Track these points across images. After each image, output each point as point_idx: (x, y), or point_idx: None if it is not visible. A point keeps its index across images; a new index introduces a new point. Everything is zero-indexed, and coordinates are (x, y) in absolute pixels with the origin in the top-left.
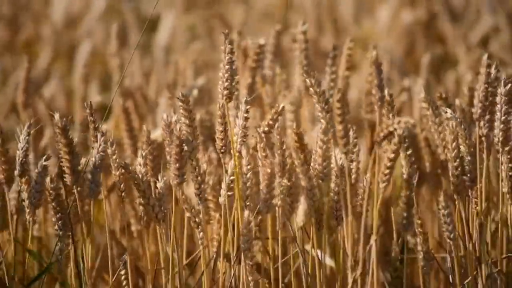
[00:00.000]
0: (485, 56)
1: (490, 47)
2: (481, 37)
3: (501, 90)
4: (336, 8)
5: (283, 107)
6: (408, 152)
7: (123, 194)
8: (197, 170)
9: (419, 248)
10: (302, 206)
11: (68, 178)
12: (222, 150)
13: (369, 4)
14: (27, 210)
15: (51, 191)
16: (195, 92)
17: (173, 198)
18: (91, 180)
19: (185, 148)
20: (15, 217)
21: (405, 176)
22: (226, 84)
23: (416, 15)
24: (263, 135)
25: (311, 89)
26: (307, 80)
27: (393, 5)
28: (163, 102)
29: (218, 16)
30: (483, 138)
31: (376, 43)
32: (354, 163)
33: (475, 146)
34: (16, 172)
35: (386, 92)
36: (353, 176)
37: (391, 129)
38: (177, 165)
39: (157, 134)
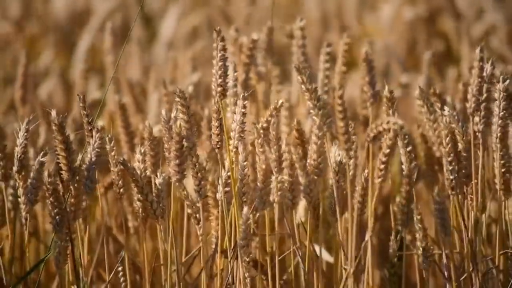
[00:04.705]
0: (477, 50)
1: (491, 44)
2: (482, 34)
3: (500, 86)
4: (341, 5)
5: (282, 103)
6: (408, 149)
7: (121, 190)
8: (197, 166)
9: (418, 244)
10: (302, 203)
11: (64, 175)
12: (218, 146)
13: (372, 1)
14: (23, 207)
15: (48, 186)
16: (190, 88)
17: (171, 194)
18: (86, 177)
19: (185, 144)
20: (12, 213)
21: (405, 172)
22: (219, 80)
23: (418, 12)
24: (261, 131)
25: (302, 86)
26: (299, 77)
27: (396, 2)
28: (155, 98)
29: (221, 13)
30: (478, 134)
31: (372, 40)
32: (352, 160)
33: (469, 142)
34: (15, 168)
35: (386, 88)
36: (351, 173)
37: (380, 129)
38: (177, 161)
39: (155, 130)
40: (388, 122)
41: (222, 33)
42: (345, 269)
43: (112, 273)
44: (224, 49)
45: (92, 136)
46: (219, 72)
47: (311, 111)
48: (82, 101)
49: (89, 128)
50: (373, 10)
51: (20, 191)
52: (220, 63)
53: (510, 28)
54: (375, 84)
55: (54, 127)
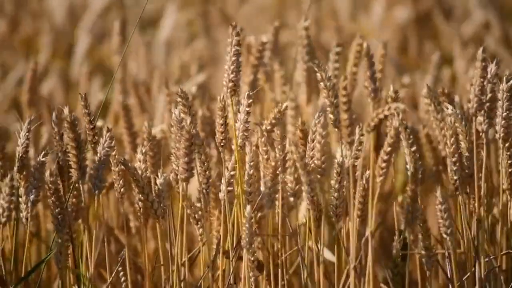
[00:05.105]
0: (480, 50)
1: (483, 42)
2: (473, 33)
3: (503, 86)
4: (333, 4)
5: (286, 106)
6: (413, 149)
7: (121, 190)
8: (205, 165)
9: (421, 244)
10: (304, 203)
11: (74, 173)
12: (221, 144)
13: (364, 1)
14: (24, 206)
15: (50, 185)
16: (193, 88)
17: (174, 194)
18: (95, 176)
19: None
20: (13, 213)
21: (410, 171)
22: (231, 76)
23: (409, 12)
24: (265, 133)
25: (321, 83)
26: (318, 74)
27: (387, 2)
28: (160, 98)
29: (216, 12)
30: (481, 134)
31: (368, 39)
32: (358, 160)
33: (472, 141)
34: (15, 168)
35: (391, 88)
36: (357, 173)
37: (381, 116)
38: (186, 159)
39: (157, 130)
40: (389, 108)
41: (238, 28)
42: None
43: (113, 273)
44: (238, 44)
45: (93, 136)
46: (232, 67)
47: (328, 108)
48: (84, 100)
49: (91, 127)
50: (366, 10)
51: (21, 191)
52: (233, 58)
53: (503, 27)
54: (376, 79)
55: (66, 125)
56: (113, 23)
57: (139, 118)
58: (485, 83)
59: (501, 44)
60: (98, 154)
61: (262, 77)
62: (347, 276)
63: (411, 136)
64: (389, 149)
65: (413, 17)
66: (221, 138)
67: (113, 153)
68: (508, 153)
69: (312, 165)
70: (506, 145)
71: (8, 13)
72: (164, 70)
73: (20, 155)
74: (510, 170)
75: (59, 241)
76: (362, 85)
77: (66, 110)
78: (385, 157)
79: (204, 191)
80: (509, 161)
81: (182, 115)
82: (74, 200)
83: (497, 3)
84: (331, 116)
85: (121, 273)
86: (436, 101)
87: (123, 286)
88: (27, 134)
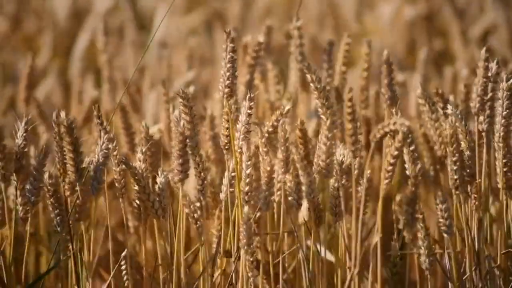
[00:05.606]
0: (483, 50)
1: (490, 43)
2: (482, 33)
3: (503, 85)
4: (339, 4)
5: (289, 109)
6: (411, 148)
7: (122, 190)
8: (200, 166)
9: (421, 243)
10: (305, 202)
11: (71, 176)
12: (227, 147)
13: (371, 0)
14: (20, 208)
15: (49, 187)
16: (191, 88)
17: (172, 194)
18: (93, 177)
19: (188, 143)
20: (13, 213)
21: (408, 172)
22: (227, 82)
23: (418, 11)
24: (266, 134)
25: (312, 85)
26: (308, 76)
27: (396, 1)
28: (151, 98)
29: (218, 13)
30: (483, 134)
31: (371, 39)
32: (356, 159)
33: (474, 141)
34: (13, 169)
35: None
36: (355, 172)
37: (387, 130)
38: (180, 160)
39: (154, 130)
40: (395, 123)
41: (232, 35)
42: (349, 269)
43: (114, 269)
44: (233, 50)
45: (100, 138)
46: (228, 73)
47: (319, 109)
48: (97, 110)
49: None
50: (372, 9)
51: (18, 192)
52: (228, 65)
53: (510, 27)
54: (393, 86)
55: (62, 129)
56: (117, 24)
57: (132, 118)
58: (487, 83)
59: (508, 45)
60: (96, 156)
61: (257, 76)
62: (351, 278)
63: (409, 136)
64: (396, 153)
65: (423, 15)
66: (226, 141)
67: (114, 152)
68: (503, 152)
69: (317, 166)
70: (502, 144)
71: (10, 12)
72: (155, 69)
73: (18, 156)
74: (505, 169)
75: (59, 243)
76: (351, 85)
77: (62, 114)
78: (392, 161)
79: (200, 192)
80: (505, 160)
81: (180, 116)
82: (78, 201)
83: (508, 4)
84: (323, 117)
85: (123, 272)
86: (430, 101)
87: (124, 285)
88: (24, 134)
